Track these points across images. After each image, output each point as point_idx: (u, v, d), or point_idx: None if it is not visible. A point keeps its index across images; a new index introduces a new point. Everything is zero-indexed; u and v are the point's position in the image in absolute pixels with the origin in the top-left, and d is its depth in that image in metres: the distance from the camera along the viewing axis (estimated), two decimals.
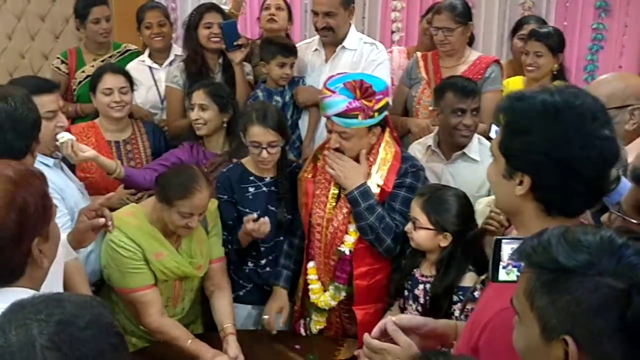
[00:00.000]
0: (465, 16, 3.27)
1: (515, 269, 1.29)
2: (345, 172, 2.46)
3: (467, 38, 3.41)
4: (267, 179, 2.72)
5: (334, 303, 2.56)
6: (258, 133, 2.59)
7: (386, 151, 2.51)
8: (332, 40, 3.23)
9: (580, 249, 0.96)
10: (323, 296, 2.57)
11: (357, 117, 2.39)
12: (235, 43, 3.16)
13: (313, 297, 2.59)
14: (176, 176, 2.40)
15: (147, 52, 3.59)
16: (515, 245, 1.26)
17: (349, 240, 2.51)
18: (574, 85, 1.40)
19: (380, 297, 2.55)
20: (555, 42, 3.39)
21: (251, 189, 2.69)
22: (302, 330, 2.66)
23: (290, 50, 3.17)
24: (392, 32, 4.55)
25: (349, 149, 2.47)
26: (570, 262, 0.95)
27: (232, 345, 2.45)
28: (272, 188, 2.72)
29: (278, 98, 3.20)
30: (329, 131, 2.49)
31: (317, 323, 2.63)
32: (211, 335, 2.55)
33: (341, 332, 2.67)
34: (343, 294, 2.55)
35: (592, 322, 0.93)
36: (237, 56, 3.19)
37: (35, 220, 1.34)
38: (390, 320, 1.51)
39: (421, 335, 1.54)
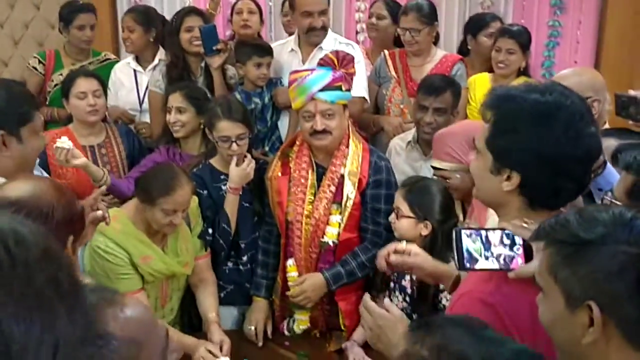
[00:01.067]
0: (431, 16, 3.37)
1: (487, 252, 1.36)
2: (314, 292, 2.57)
3: (433, 37, 3.51)
4: None
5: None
6: (226, 127, 2.63)
7: (355, 143, 2.60)
8: (323, 39, 3.25)
9: (596, 223, 1.05)
10: None
11: (340, 89, 2.49)
12: (214, 48, 3.16)
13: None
14: (156, 175, 2.43)
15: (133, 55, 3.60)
16: (474, 234, 1.35)
17: (332, 232, 2.56)
18: (557, 83, 1.46)
19: (360, 284, 2.62)
20: (525, 40, 3.52)
21: (224, 187, 2.72)
22: (285, 331, 2.68)
23: (265, 50, 3.20)
24: (357, 32, 4.62)
25: (335, 130, 2.52)
26: (589, 234, 1.04)
27: (216, 332, 2.48)
28: (244, 185, 2.73)
29: (257, 100, 3.22)
30: (311, 116, 2.51)
31: (300, 323, 2.65)
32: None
33: (325, 328, 2.71)
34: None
35: (612, 287, 1.02)
36: (215, 61, 3.19)
37: (77, 219, 1.40)
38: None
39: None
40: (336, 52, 2.57)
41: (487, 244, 1.36)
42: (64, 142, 2.52)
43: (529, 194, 1.37)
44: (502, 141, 1.37)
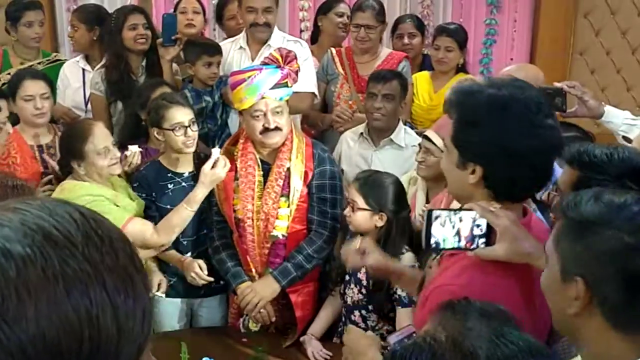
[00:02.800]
0: (383, 15, 3.48)
1: (453, 233, 1.41)
2: (261, 293, 2.56)
3: (382, 36, 3.59)
4: (186, 174, 2.74)
5: None
6: (179, 114, 2.63)
7: (298, 137, 2.63)
8: (267, 37, 3.27)
9: (603, 206, 1.10)
10: None
11: (287, 85, 2.52)
12: (173, 37, 3.14)
13: None
14: (68, 135, 2.58)
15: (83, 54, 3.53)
16: (443, 215, 1.41)
17: (281, 225, 2.58)
18: (515, 78, 1.54)
19: (311, 276, 2.65)
20: (462, 37, 3.64)
21: (170, 185, 2.71)
22: (241, 328, 2.68)
23: (215, 49, 3.18)
24: (301, 31, 4.65)
25: (285, 126, 2.55)
26: (592, 215, 1.10)
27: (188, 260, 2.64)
28: (191, 182, 2.71)
29: (207, 98, 3.20)
30: (261, 115, 2.50)
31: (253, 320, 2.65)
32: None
33: (281, 322, 2.72)
34: None
35: (600, 268, 1.07)
36: (170, 52, 3.17)
37: None
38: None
39: None
40: (279, 50, 2.60)
41: (454, 225, 1.41)
42: (134, 150, 2.73)
43: (492, 186, 1.42)
44: (464, 135, 1.43)
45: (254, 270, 2.64)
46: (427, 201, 2.68)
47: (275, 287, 2.58)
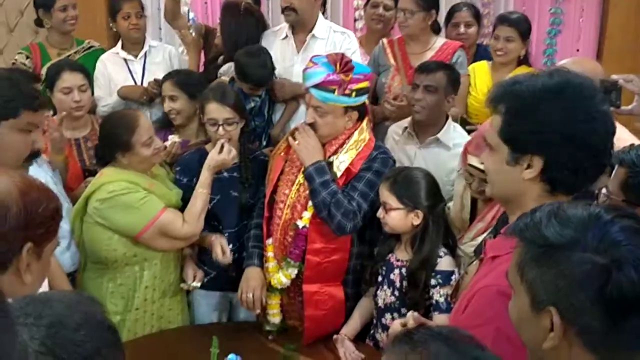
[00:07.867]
0: (428, 2, 3.29)
1: None
2: (306, 147, 2.46)
3: (428, 25, 3.41)
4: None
5: (286, 281, 2.53)
6: (214, 110, 2.65)
7: (359, 135, 2.52)
8: (294, 20, 3.18)
9: (567, 226, 1.00)
10: (276, 274, 2.55)
11: (333, 92, 2.43)
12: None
13: (268, 275, 2.58)
14: (114, 126, 2.54)
15: (119, 44, 3.50)
16: None
17: (307, 216, 2.51)
18: (560, 66, 1.44)
19: (333, 278, 2.53)
20: (525, 28, 3.46)
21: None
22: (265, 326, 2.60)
23: (259, 85, 3.13)
24: (355, 20, 4.55)
25: (322, 127, 2.48)
26: (557, 238, 0.99)
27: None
28: (234, 174, 2.72)
29: (256, 99, 3.17)
30: (308, 107, 2.51)
31: (271, 307, 2.57)
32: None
33: (300, 319, 2.60)
34: (294, 271, 2.52)
35: (574, 295, 0.97)
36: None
37: (40, 221, 1.28)
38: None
39: None
40: (341, 56, 2.48)
41: None
42: (174, 138, 2.79)
43: (552, 178, 1.34)
44: (519, 127, 1.34)
45: (272, 254, 2.57)
46: (473, 213, 2.52)
47: (320, 152, 2.47)
